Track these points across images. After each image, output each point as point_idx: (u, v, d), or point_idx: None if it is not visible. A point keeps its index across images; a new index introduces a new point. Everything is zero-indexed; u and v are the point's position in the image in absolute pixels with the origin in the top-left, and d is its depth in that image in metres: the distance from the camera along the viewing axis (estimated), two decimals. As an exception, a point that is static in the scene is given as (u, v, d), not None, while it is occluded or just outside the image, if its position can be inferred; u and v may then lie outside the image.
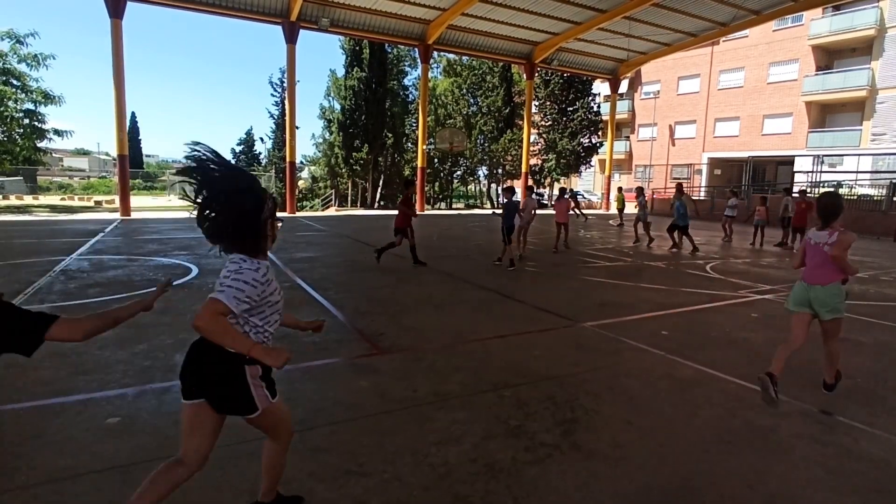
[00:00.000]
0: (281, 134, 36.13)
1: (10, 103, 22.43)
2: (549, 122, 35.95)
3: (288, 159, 21.72)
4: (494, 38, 24.69)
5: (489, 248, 12.17)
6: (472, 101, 37.84)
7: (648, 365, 4.51)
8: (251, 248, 2.08)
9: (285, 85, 27.00)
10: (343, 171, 34.33)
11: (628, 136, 43.65)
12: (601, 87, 37.95)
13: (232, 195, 2.03)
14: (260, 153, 45.05)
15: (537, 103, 35.40)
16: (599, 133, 36.43)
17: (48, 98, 23.27)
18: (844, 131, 30.97)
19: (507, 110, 36.45)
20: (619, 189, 21.93)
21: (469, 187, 46.57)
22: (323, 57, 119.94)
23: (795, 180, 25.67)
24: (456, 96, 37.49)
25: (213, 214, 2.06)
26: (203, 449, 2.16)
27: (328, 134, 35.64)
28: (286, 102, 22.19)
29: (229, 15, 19.54)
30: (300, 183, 38.09)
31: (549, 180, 37.94)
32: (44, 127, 23.98)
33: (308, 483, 2.63)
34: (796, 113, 32.77)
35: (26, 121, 23.18)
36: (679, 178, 35.19)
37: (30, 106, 23.14)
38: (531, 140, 30.34)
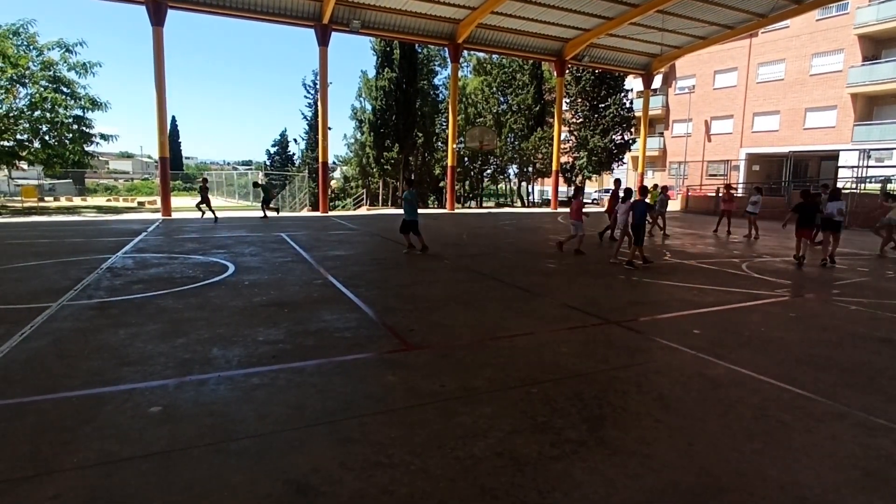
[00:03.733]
0: (314, 135, 36.80)
1: (61, 110, 23.60)
2: (581, 120, 35.55)
3: (320, 160, 22.09)
4: (524, 36, 24.54)
5: (519, 247, 12.16)
6: (502, 99, 37.75)
7: (679, 363, 4.46)
8: None
9: (318, 87, 27.46)
10: (374, 170, 34.74)
11: (662, 133, 42.75)
12: (634, 83, 37.27)
13: None
14: (294, 154, 46.01)
15: (568, 100, 35.04)
16: (632, 130, 35.80)
17: (95, 104, 24.39)
18: (894, 124, 29.59)
19: (538, 108, 36.22)
20: (655, 186, 21.49)
21: (499, 185, 46.43)
22: (354, 59, 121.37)
23: (840, 175, 24.65)
24: (486, 95, 37.46)
25: None
26: None
27: (360, 134, 36.15)
28: (319, 104, 22.58)
29: (264, 20, 20.02)
30: (332, 183, 38.69)
31: (580, 178, 37.51)
32: (91, 132, 25.17)
33: (338, 472, 2.71)
34: (841, 105, 31.48)
35: (75, 126, 24.35)
36: (716, 175, 34.33)
37: (78, 112, 24.30)
38: (562, 138, 30.04)
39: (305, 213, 28.03)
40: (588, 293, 7.24)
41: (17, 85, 22.73)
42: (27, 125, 23.59)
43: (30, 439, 3.00)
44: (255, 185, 24.67)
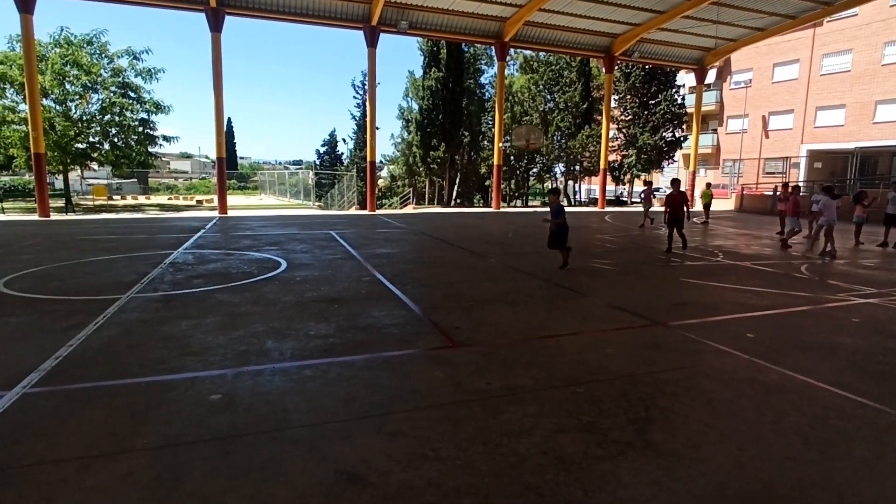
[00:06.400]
0: (362, 135, 37.52)
1: (128, 113, 25.13)
2: (630, 117, 34.69)
3: (368, 159, 22.51)
4: (572, 33, 24.18)
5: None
6: (548, 97, 37.28)
7: (731, 367, 4.33)
8: None
9: (366, 87, 27.98)
10: (421, 169, 35.10)
11: (715, 129, 41.13)
12: (686, 78, 36.05)
13: None
14: (342, 154, 47.05)
15: (617, 97, 34.25)
16: (684, 126, 34.63)
17: (159, 108, 25.84)
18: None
19: (585, 106, 35.58)
20: (708, 185, 20.74)
21: (545, 184, 45.89)
22: (402, 59, 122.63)
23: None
24: (532, 93, 37.09)
25: None
26: None
27: (406, 133, 36.58)
28: (367, 104, 23.01)
29: (315, 23, 20.60)
30: (380, 182, 39.32)
31: (628, 177, 36.60)
32: (155, 134, 26.69)
33: (386, 464, 2.80)
34: (917, 97, 29.37)
35: (141, 129, 25.88)
36: (773, 173, 32.78)
37: (143, 115, 25.77)
38: (610, 135, 29.41)
39: (353, 211, 28.63)
40: (635, 294, 7.11)
41: (90, 91, 24.32)
42: (98, 128, 25.21)
43: (104, 420, 3.25)
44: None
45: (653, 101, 33.80)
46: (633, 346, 4.85)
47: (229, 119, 73.57)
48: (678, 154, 36.09)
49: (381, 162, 41.67)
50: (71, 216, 20.64)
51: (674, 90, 34.08)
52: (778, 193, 17.75)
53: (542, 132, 28.77)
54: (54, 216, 19.12)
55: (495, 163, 25.28)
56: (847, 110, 32.30)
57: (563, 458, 2.88)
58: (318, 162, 47.11)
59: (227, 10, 18.87)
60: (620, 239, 13.72)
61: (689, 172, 30.09)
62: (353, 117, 42.07)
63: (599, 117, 33.31)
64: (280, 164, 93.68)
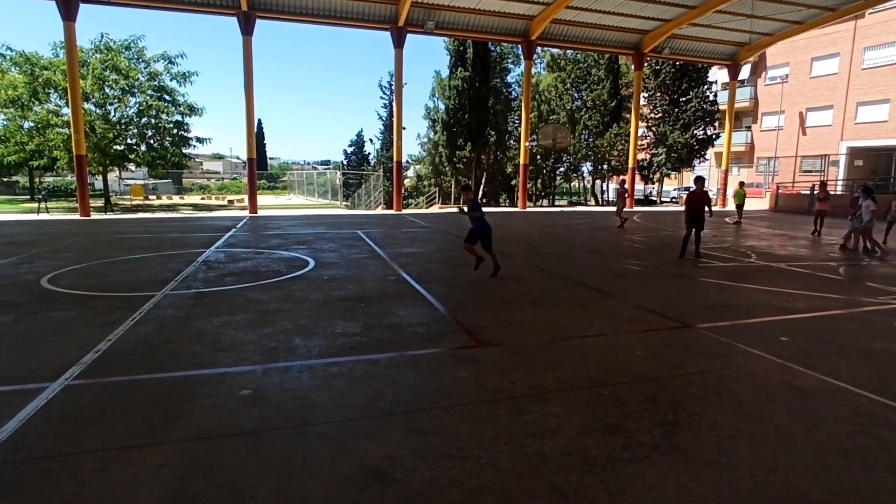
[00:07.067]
0: (389, 135, 37.83)
1: (164, 116, 25.94)
2: (660, 115, 34.06)
3: (395, 159, 22.68)
4: (600, 30, 23.88)
5: (592, 246, 11.90)
6: (576, 95, 36.90)
7: (763, 371, 4.23)
8: None
9: (393, 88, 28.16)
10: (447, 169, 35.17)
11: (749, 126, 39.99)
12: (719, 74, 35.16)
13: None
14: (369, 154, 47.56)
15: (646, 95, 33.69)
16: (716, 124, 33.80)
17: (192, 110, 26.60)
18: None
19: (614, 104, 35.09)
20: (741, 184, 20.20)
21: (572, 184, 45.47)
22: (429, 59, 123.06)
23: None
24: (559, 91, 36.76)
25: None
26: None
27: (433, 133, 36.70)
28: (394, 104, 23.17)
29: (343, 25, 20.85)
30: (406, 181, 39.54)
31: (658, 175, 35.93)
32: (189, 135, 27.46)
33: (411, 461, 2.83)
34: (966, 92, 28.01)
35: (175, 130, 26.67)
36: (810, 171, 31.75)
37: (178, 117, 26.55)
38: (639, 134, 28.94)
39: (380, 210, 28.87)
40: (664, 295, 6.99)
41: (128, 94, 25.17)
42: (135, 130, 26.09)
43: (140, 412, 3.37)
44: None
45: (683, 99, 33.11)
46: (662, 349, 4.77)
47: (259, 120, 75.10)
48: (710, 152, 35.25)
49: (407, 162, 41.93)
50: (110, 216, 21.38)
51: (705, 87, 33.31)
52: (815, 192, 17.19)
53: (569, 131, 28.53)
54: (94, 216, 19.83)
55: (521, 162, 25.16)
56: (891, 105, 31.02)
57: (587, 460, 2.86)
58: (345, 162, 47.71)
59: (257, 13, 19.25)
60: (649, 239, 13.49)
61: (721, 171, 29.39)
62: (380, 117, 42.57)
63: (628, 115, 32.83)
64: (308, 164, 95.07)
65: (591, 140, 35.83)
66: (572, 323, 5.59)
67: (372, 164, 45.09)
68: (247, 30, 19.22)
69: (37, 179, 37.53)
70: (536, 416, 3.37)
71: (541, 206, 37.28)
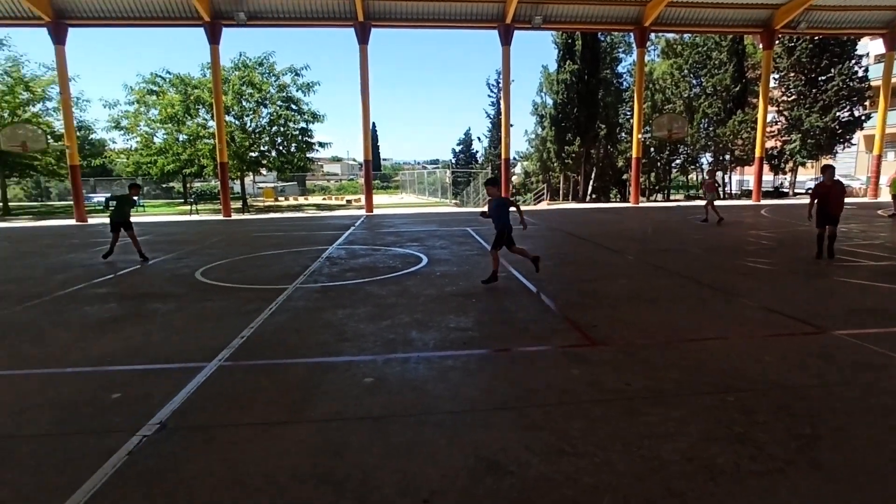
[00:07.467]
0: (496, 132, 37.97)
1: (291, 124, 28.45)
2: (793, 97, 30.63)
3: (503, 156, 22.75)
4: (723, 9, 21.98)
5: (711, 243, 11.08)
6: (694, 82, 34.31)
7: (925, 387, 3.72)
8: None
9: (500, 85, 28.27)
10: (555, 164, 34.53)
11: (911, 104, 34.50)
12: (870, 46, 30.74)
13: None
14: (477, 152, 48.11)
15: (777, 76, 30.42)
16: (866, 104, 29.63)
17: (315, 117, 28.96)
18: None
19: (738, 88, 32.10)
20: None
21: (690, 176, 42.43)
22: (535, 54, 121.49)
23: None
24: (676, 79, 34.39)
25: None
26: None
27: (540, 129, 36.20)
28: (501, 101, 23.26)
29: (452, 27, 21.33)
30: (513, 178, 39.47)
31: (790, 165, 32.33)
32: (312, 141, 29.84)
33: (524, 455, 2.90)
34: None
35: (300, 137, 29.15)
36: None
37: (303, 125, 28.99)
38: (768, 120, 26.24)
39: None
40: (797, 297, 6.35)
41: (261, 106, 27.97)
42: (267, 138, 28.88)
43: (280, 393, 3.79)
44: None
45: (823, 77, 29.44)
46: (796, 355, 4.37)
47: (373, 123, 78.95)
48: (858, 136, 31.01)
49: (514, 158, 41.79)
50: (246, 216, 23.85)
51: (852, 62, 29.31)
52: None
53: (686, 120, 26.65)
54: (234, 216, 22.24)
55: (634, 155, 23.97)
56: None
57: (711, 468, 2.74)
58: (453, 160, 48.65)
59: (373, 23, 20.31)
60: (780, 235, 12.25)
61: (872, 157, 25.74)
62: (488, 115, 42.82)
63: (755, 100, 29.91)
64: (418, 163, 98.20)
65: (711, 129, 33.16)
66: (691, 324, 5.30)
67: (480, 161, 45.57)
68: (363, 39, 20.36)
69: (188, 185, 42.81)
70: (653, 419, 3.27)
71: (655, 200, 35.26)
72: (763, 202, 24.51)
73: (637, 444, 2.98)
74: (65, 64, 19.93)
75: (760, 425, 3.18)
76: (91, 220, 20.84)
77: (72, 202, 22.46)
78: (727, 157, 34.10)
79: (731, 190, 38.03)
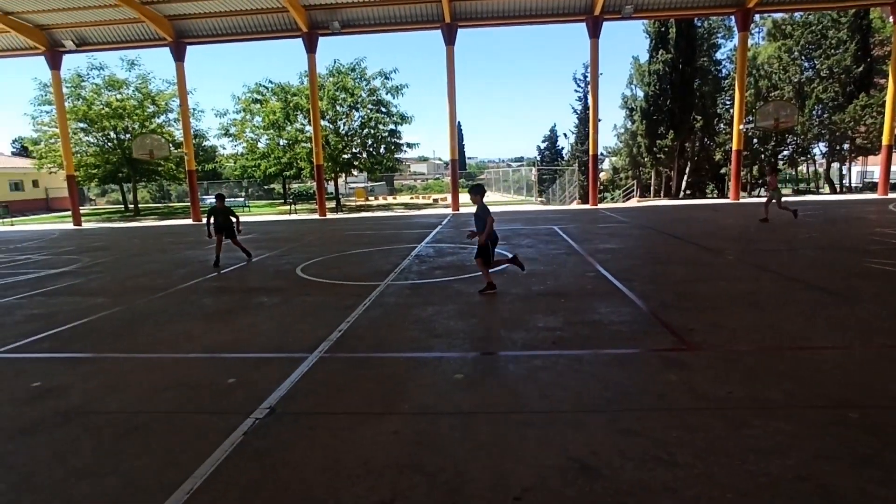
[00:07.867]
0: (583, 128, 37.01)
1: (380, 126, 29.57)
2: (934, 75, 26.86)
3: (590, 152, 22.10)
4: (845, -18, 19.85)
5: (825, 242, 10.07)
6: (806, 64, 31.20)
7: None
8: None
9: (588, 79, 27.48)
10: (646, 160, 32.98)
11: None
12: None
13: None
14: (562, 148, 47.12)
15: (913, 53, 26.85)
16: None
17: (403, 119, 29.90)
18: None
19: (860, 69, 28.75)
20: None
21: (798, 169, 38.76)
22: (623, 47, 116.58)
23: None
24: (784, 63, 31.43)
25: None
26: None
27: (630, 123, 34.72)
28: (589, 96, 22.59)
29: (538, 22, 21.03)
30: (601, 175, 38.23)
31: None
32: (400, 142, 30.82)
33: (618, 459, 2.84)
34: None
35: (389, 138, 30.23)
36: None
37: (392, 127, 30.02)
38: (900, 103, 23.26)
39: (574, 206, 28.46)
40: (939, 305, 5.63)
41: (353, 110, 29.32)
42: (358, 141, 30.21)
43: (375, 385, 3.98)
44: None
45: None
46: (934, 370, 3.90)
47: (459, 123, 79.72)
48: None
49: (602, 154, 40.44)
50: (340, 215, 25.08)
51: None
52: None
53: (795, 107, 24.26)
54: (329, 215, 23.48)
55: (734, 148, 22.29)
56: None
57: (828, 489, 2.53)
58: (538, 158, 47.97)
59: (459, 23, 20.53)
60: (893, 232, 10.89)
61: None
62: (574, 111, 41.82)
63: (882, 81, 26.68)
64: (503, 161, 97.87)
65: (825, 116, 30.02)
66: (801, 331, 4.89)
67: (566, 158, 44.59)
68: (450, 40, 20.63)
69: (287, 186, 45.72)
70: (759, 432, 3.07)
71: (757, 195, 32.59)
72: (891, 196, 21.85)
73: (741, 458, 2.82)
74: (184, 79, 22.15)
75: (891, 447, 2.88)
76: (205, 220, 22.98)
77: (189, 203, 24.85)
78: (846, 146, 30.73)
79: (849, 183, 34.25)
